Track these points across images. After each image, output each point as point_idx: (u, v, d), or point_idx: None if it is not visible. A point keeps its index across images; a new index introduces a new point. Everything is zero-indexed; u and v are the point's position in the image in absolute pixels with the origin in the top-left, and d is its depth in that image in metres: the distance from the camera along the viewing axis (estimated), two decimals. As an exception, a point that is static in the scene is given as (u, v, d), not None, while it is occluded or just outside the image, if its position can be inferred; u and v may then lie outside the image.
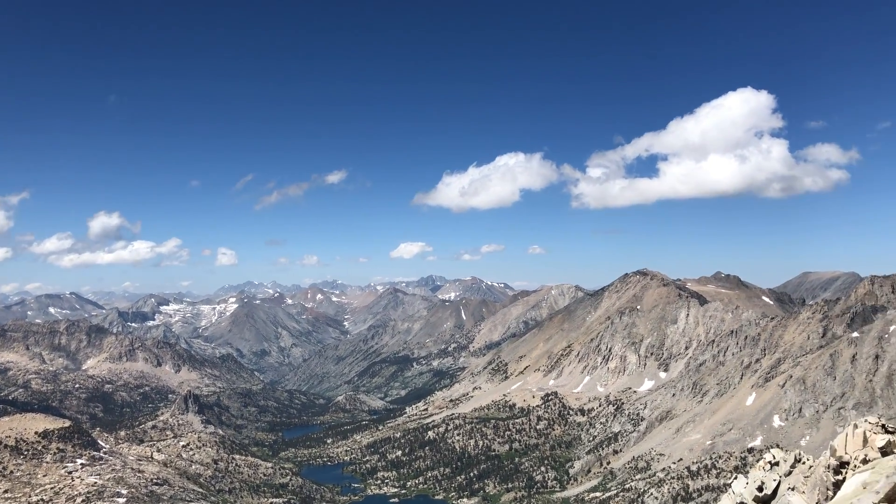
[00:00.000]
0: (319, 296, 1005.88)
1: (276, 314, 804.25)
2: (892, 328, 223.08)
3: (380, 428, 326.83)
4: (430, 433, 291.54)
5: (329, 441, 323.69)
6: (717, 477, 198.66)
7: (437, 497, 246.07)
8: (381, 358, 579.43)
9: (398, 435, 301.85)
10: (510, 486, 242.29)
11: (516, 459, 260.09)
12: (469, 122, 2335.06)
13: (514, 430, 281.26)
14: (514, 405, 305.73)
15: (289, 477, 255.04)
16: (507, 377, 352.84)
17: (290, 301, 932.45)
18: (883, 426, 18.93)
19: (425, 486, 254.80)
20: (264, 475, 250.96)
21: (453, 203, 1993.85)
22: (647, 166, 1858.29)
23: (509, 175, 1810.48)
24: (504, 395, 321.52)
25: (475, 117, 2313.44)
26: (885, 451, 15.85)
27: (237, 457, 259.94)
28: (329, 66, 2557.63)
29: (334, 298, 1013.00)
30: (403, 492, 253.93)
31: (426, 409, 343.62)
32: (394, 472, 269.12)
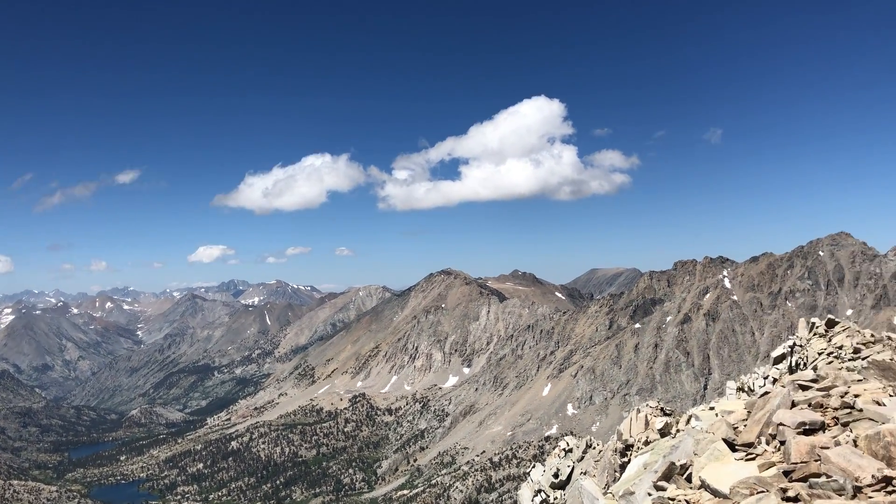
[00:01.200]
0: (109, 304, 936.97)
1: (60, 325, 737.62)
2: (668, 318, 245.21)
3: (179, 441, 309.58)
4: (234, 443, 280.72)
5: (123, 458, 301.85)
6: (517, 466, 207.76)
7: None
8: (180, 368, 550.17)
9: (199, 447, 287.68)
10: (318, 490, 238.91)
11: (324, 464, 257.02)
12: (273, 122, 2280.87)
13: (321, 434, 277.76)
14: (322, 409, 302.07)
15: (76, 500, 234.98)
16: (314, 381, 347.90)
17: (75, 310, 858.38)
18: (661, 409, 20.17)
19: (229, 497, 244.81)
20: (48, 500, 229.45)
21: (256, 204, 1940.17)
22: (450, 169, 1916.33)
23: (316, 176, 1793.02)
24: (311, 399, 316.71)
25: (279, 116, 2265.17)
26: (663, 433, 16.75)
27: (15, 482, 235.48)
28: (118, 54, 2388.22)
29: (126, 307, 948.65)
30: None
31: (229, 419, 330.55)
32: (195, 486, 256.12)
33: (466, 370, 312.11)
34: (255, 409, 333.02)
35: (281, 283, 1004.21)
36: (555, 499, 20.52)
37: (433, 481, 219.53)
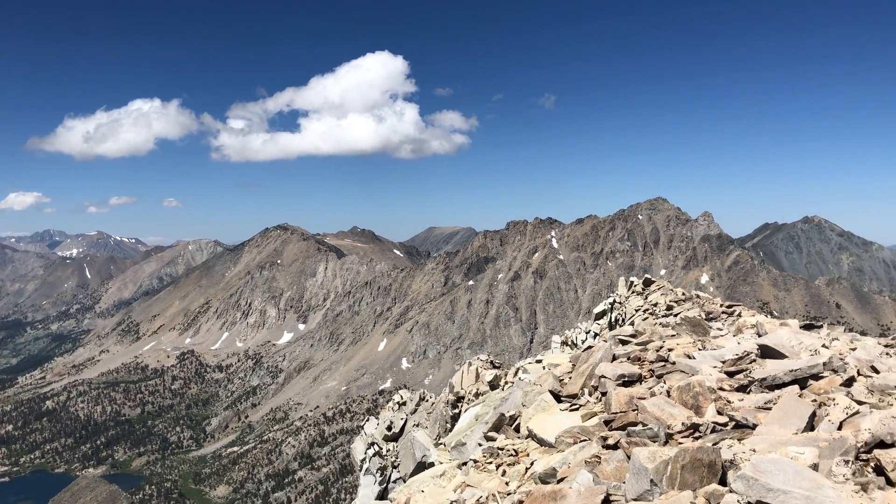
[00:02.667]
0: None
1: None
2: (500, 276, 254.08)
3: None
4: (49, 403, 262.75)
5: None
6: (351, 420, 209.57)
7: (57, 470, 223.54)
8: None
9: (9, 408, 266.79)
10: (142, 449, 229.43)
11: (149, 422, 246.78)
12: (97, 61, 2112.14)
13: (147, 392, 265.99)
14: (148, 367, 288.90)
15: None
16: (139, 338, 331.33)
17: None
18: (491, 362, 20.88)
19: (43, 460, 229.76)
20: None
21: (76, 150, 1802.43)
22: (289, 121, 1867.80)
23: (143, 121, 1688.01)
24: (136, 356, 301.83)
25: (104, 56, 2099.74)
26: (493, 385, 17.30)
27: None
28: None
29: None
30: (16, 469, 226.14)
31: (44, 378, 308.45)
32: (3, 450, 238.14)
33: (302, 326, 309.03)
34: (74, 366, 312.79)
35: (102, 235, 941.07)
36: (388, 451, 20.80)
37: (265, 437, 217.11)
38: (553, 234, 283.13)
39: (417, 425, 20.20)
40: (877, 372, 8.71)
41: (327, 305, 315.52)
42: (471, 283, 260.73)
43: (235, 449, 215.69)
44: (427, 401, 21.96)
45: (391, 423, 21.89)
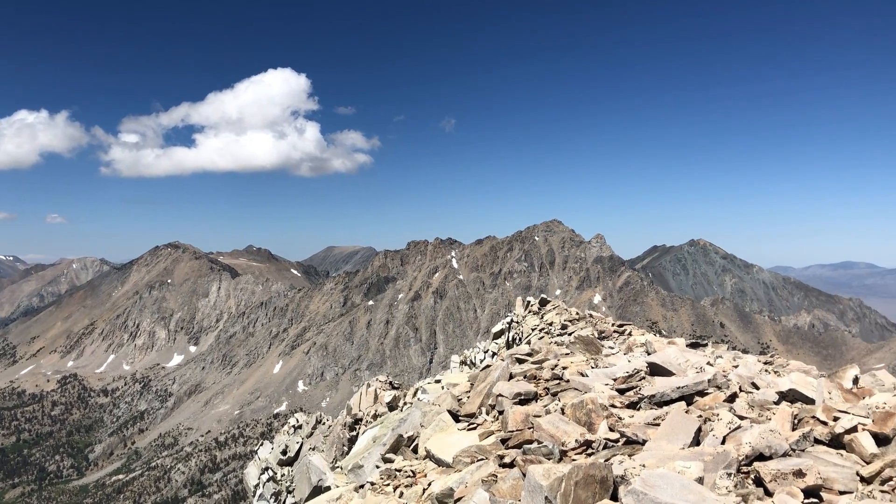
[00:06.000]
0: None
1: None
2: (400, 296, 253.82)
3: None
4: None
5: None
6: (244, 445, 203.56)
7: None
8: None
9: None
10: (17, 480, 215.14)
11: (25, 451, 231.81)
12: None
13: (23, 419, 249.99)
14: (25, 392, 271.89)
15: None
16: (15, 361, 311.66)
17: None
18: (390, 383, 20.78)
19: None
20: None
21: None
22: (184, 136, 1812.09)
23: (28, 133, 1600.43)
24: (11, 381, 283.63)
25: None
26: (391, 406, 17.22)
27: None
28: None
29: None
30: None
31: None
32: None
33: (193, 348, 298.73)
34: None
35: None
36: (282, 476, 20.32)
37: (153, 464, 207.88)
38: (453, 254, 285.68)
39: (314, 449, 19.82)
40: (757, 388, 9.16)
41: (220, 326, 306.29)
42: (370, 303, 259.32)
43: (121, 477, 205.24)
44: (324, 424, 21.59)
45: (286, 447, 21.39)
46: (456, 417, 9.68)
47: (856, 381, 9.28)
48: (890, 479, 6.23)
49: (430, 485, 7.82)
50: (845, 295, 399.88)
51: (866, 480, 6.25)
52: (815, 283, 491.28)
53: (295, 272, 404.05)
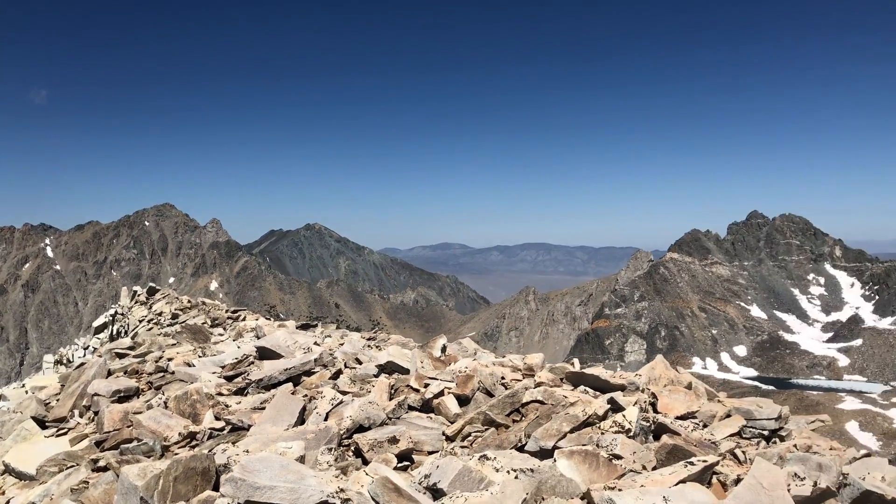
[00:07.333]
0: None
1: None
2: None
3: None
4: None
5: None
6: None
7: None
8: None
9: None
10: None
11: None
12: None
13: None
14: None
15: None
16: None
17: None
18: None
19: None
20: None
21: None
22: None
23: None
24: None
25: None
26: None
27: None
28: None
29: None
30: None
31: None
32: None
33: None
34: None
35: None
36: None
37: None
38: (48, 241, 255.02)
39: None
40: (360, 363, 9.74)
41: None
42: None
43: None
44: None
45: None
46: (43, 424, 8.66)
47: (444, 349, 10.36)
48: (469, 434, 7.09)
49: (9, 502, 6.91)
50: (444, 273, 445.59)
51: (450, 438, 7.02)
52: (418, 262, 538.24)
53: None
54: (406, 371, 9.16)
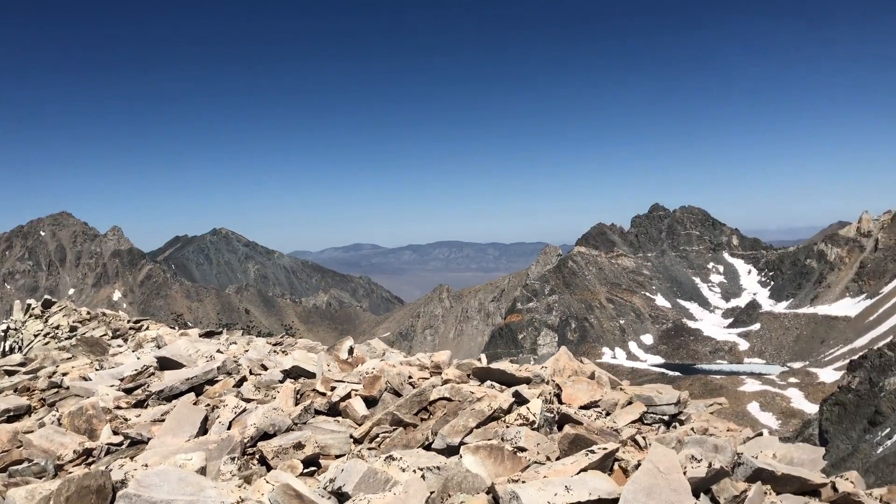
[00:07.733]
0: None
1: None
2: None
3: None
4: None
5: None
6: None
7: None
8: None
9: None
10: None
11: None
12: None
13: None
14: None
15: None
16: None
17: None
18: None
19: None
20: None
21: None
22: None
23: None
24: None
25: None
26: None
27: None
28: None
29: None
30: None
31: None
32: None
33: None
34: None
35: None
36: None
37: None
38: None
39: None
40: (265, 369, 9.56)
41: None
42: None
43: None
44: None
45: None
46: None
47: (351, 351, 10.29)
48: (377, 436, 7.07)
49: None
50: (356, 274, 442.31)
51: (358, 441, 6.98)
52: (330, 264, 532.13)
53: None
54: (312, 375, 9.06)
